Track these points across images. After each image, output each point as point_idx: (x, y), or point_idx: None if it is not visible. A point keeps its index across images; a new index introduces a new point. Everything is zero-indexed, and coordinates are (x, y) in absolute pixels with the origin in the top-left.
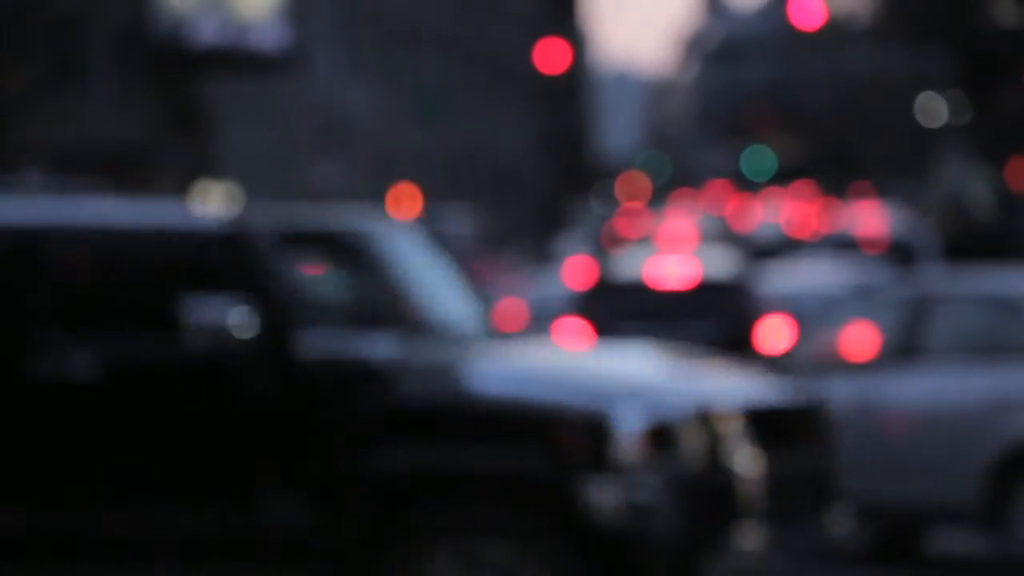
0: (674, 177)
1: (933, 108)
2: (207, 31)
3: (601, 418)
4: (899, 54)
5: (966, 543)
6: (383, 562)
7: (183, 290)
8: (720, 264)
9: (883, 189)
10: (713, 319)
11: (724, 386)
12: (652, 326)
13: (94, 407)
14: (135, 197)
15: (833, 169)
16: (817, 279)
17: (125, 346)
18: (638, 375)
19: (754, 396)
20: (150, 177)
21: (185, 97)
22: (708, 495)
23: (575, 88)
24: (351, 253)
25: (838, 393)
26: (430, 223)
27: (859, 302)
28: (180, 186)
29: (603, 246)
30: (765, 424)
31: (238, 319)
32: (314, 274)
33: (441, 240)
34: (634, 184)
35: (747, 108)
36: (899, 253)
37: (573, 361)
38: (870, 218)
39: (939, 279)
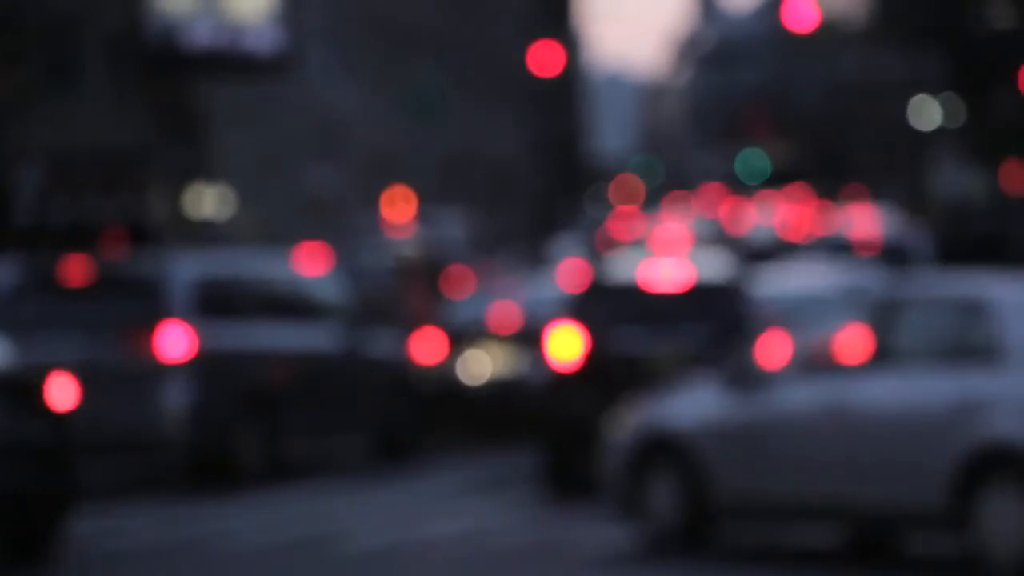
0: (668, 180)
1: (926, 111)
2: (201, 34)
3: None
4: (892, 57)
5: (941, 545)
6: None
7: None
8: (714, 267)
9: (877, 192)
10: (707, 322)
11: None
12: (646, 329)
13: None
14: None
15: (827, 172)
16: (811, 282)
17: None
18: None
19: None
20: (144, 180)
21: (179, 100)
22: None
23: (569, 91)
24: None
25: (811, 396)
26: (424, 225)
27: (834, 306)
28: (174, 189)
29: (597, 249)
30: None
31: None
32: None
33: (435, 242)
34: (628, 187)
35: (741, 111)
36: (893, 256)
37: None
38: (864, 221)
39: (907, 283)
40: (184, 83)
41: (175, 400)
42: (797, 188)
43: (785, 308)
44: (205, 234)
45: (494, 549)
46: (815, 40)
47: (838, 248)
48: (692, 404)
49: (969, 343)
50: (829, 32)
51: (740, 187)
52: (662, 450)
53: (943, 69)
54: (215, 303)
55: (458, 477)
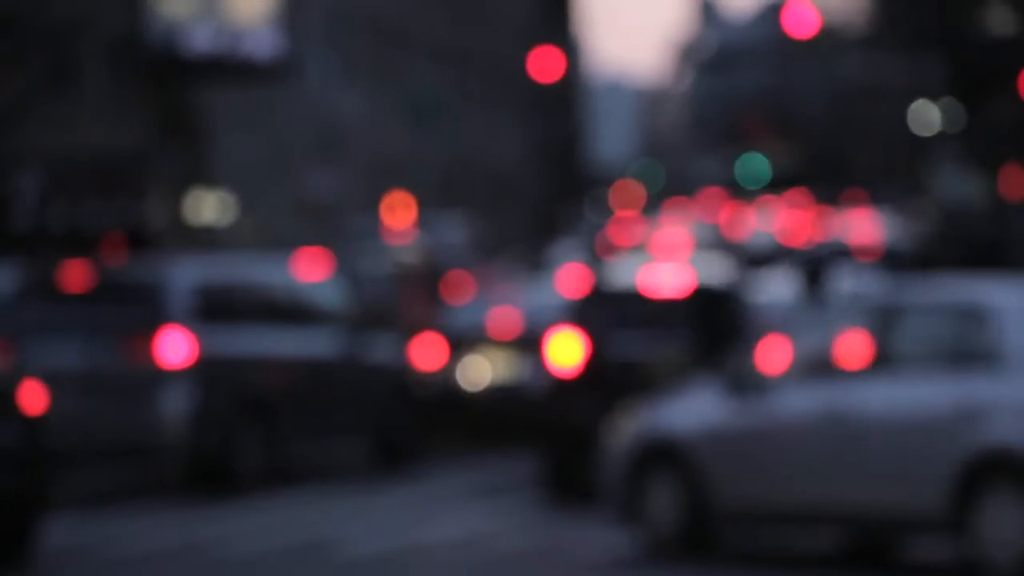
0: (668, 185)
1: (926, 116)
2: (200, 39)
3: None
4: (892, 62)
5: (940, 550)
6: None
7: None
8: (714, 272)
9: (877, 197)
10: (707, 327)
11: None
12: (646, 334)
13: None
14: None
15: (827, 177)
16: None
17: None
18: None
19: None
20: (144, 185)
21: (178, 105)
22: None
23: (569, 96)
24: None
25: (811, 401)
26: (424, 231)
27: (832, 311)
28: (174, 194)
29: (597, 254)
30: None
31: None
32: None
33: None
34: (628, 192)
35: (741, 116)
36: (893, 261)
37: None
38: (864, 226)
39: (907, 288)
40: (184, 88)
41: (174, 405)
42: (797, 193)
43: (785, 313)
44: (204, 239)
45: (494, 555)
46: (815, 45)
47: (838, 253)
48: (692, 409)
49: (969, 348)
50: (829, 37)
51: (740, 192)
52: (662, 455)
53: (943, 74)
54: (215, 309)
55: (458, 483)
